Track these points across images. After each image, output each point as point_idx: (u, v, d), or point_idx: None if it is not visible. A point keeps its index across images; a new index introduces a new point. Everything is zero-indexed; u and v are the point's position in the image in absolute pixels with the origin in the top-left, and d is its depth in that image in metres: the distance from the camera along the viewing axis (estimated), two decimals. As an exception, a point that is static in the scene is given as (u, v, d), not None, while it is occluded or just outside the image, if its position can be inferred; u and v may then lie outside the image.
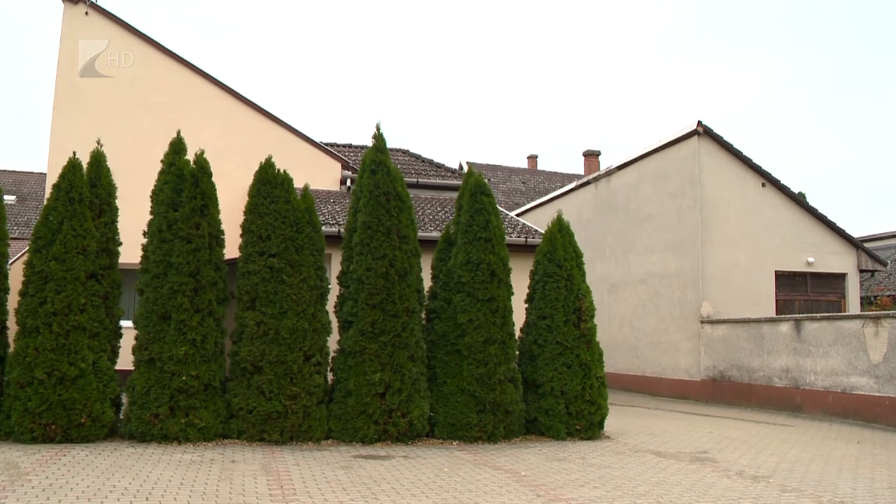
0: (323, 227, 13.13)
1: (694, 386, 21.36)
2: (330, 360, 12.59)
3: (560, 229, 14.01)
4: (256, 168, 12.80)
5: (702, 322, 21.19)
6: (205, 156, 12.42)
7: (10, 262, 12.41)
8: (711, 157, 21.83)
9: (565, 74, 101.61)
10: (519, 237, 16.75)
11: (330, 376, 12.62)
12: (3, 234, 12.19)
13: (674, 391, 22.16)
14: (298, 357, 12.01)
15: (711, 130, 21.69)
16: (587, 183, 27.56)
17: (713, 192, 21.70)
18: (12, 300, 12.14)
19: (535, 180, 37.50)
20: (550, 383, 13.19)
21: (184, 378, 11.65)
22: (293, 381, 11.95)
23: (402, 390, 12.14)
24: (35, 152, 65.32)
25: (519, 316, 13.44)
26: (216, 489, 8.77)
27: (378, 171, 12.69)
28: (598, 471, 10.54)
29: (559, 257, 13.64)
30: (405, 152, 22.48)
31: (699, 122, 21.64)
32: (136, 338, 12.00)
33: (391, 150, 13.21)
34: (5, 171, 12.85)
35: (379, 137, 13.03)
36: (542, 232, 15.54)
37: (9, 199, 12.84)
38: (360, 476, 9.68)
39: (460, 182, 17.76)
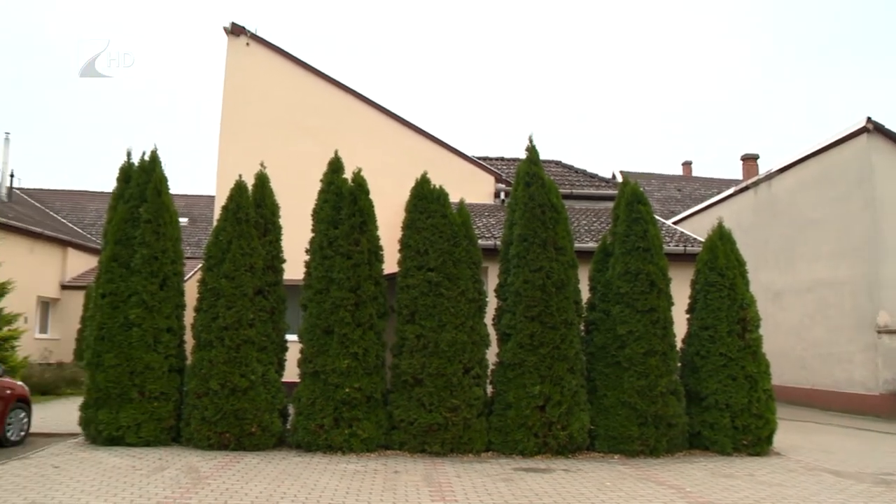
0: (479, 241, 13.20)
1: (871, 400, 20.05)
2: (489, 373, 12.60)
3: (721, 237, 13.53)
4: (410, 184, 13.02)
5: (879, 332, 19.90)
6: (362, 174, 12.75)
7: (184, 279, 13.11)
8: (884, 156, 20.45)
9: (718, 78, 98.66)
10: (677, 246, 16.32)
11: (489, 389, 12.62)
12: (179, 254, 12.91)
13: (847, 405, 20.88)
14: (458, 369, 12.10)
15: (883, 127, 20.26)
16: (746, 188, 26.49)
17: (887, 192, 20.33)
18: (188, 315, 12.83)
19: (690, 187, 36.48)
20: (714, 396, 12.73)
21: (347, 390, 11.97)
22: (453, 393, 12.04)
23: (561, 403, 12.02)
24: (203, 176, 69.27)
25: (679, 327, 13.04)
26: (380, 499, 8.95)
27: (532, 183, 12.67)
28: (768, 489, 10.05)
29: (721, 266, 13.17)
30: (558, 163, 22.35)
31: (868, 119, 20.31)
32: (301, 351, 12.42)
33: (544, 161, 13.16)
34: (178, 195, 13.67)
35: (532, 150, 13.01)
36: (702, 240, 15.06)
37: (182, 221, 13.65)
38: (521, 489, 9.63)
39: (615, 192, 17.49)
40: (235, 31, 19.34)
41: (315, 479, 9.96)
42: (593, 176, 21.90)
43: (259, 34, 19.54)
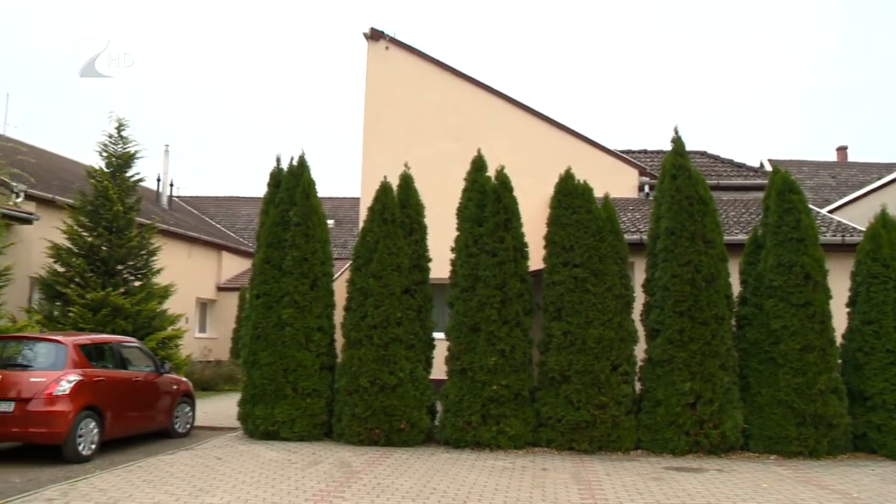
0: (625, 235, 12.99)
1: None
2: (637, 370, 12.38)
3: (885, 225, 12.73)
4: (552, 181, 12.95)
5: None
6: (504, 171, 12.77)
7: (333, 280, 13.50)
8: None
9: (871, 57, 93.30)
10: (834, 236, 15.52)
11: (638, 386, 12.40)
12: (328, 256, 13.30)
13: None
14: (605, 366, 11.94)
15: None
16: (912, 172, 24.91)
17: None
18: (338, 314, 13.19)
19: (846, 173, 34.54)
20: (881, 395, 12.00)
21: (494, 387, 12.01)
22: (601, 390, 11.90)
23: (713, 400, 11.67)
24: (347, 178, 71.15)
25: (839, 321, 12.38)
26: (529, 496, 8.92)
27: (679, 175, 12.35)
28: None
29: (885, 256, 12.42)
30: (703, 154, 21.70)
31: None
32: (449, 348, 12.56)
33: (689, 152, 12.73)
34: (324, 197, 14.09)
35: (678, 141, 12.69)
36: (862, 229, 14.24)
37: (328, 223, 14.12)
38: (672, 489, 9.39)
39: (764, 181, 16.83)
40: (374, 35, 19.70)
41: (464, 476, 10.04)
42: (741, 165, 21.13)
43: (397, 38, 19.83)
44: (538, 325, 12.59)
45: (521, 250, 12.58)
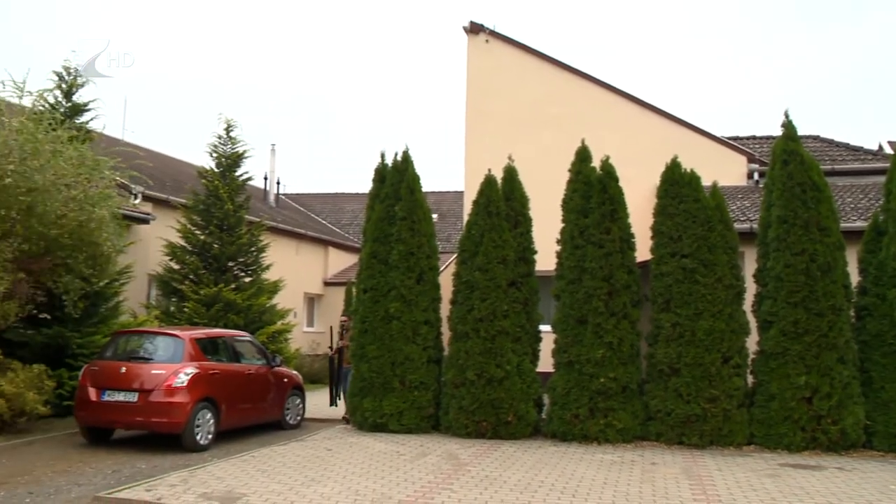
0: (734, 224, 12.65)
1: None
2: (749, 362, 12.04)
3: None
4: (657, 170, 12.72)
5: None
6: (609, 161, 12.61)
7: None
8: None
9: None
10: (962, 221, 14.71)
11: (750, 379, 12.05)
12: (434, 250, 13.39)
13: None
14: (716, 359, 11.66)
15: None
16: None
17: None
18: (444, 308, 13.28)
19: (972, 157, 32.78)
20: None
21: (602, 380, 11.89)
22: (711, 383, 11.62)
23: (831, 395, 11.22)
24: (450, 172, 71.62)
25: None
26: (639, 490, 8.78)
27: (790, 160, 11.93)
28: None
29: None
30: (816, 138, 20.87)
31: None
32: (555, 341, 12.49)
33: (801, 137, 12.29)
34: (428, 192, 14.16)
35: (789, 125, 12.26)
36: None
37: (432, 217, 14.28)
38: (789, 486, 9.07)
39: (884, 165, 16.09)
40: (474, 29, 19.68)
41: (572, 469, 9.96)
42: (857, 149, 20.24)
43: (497, 30, 19.78)
44: (646, 317, 12.39)
45: (627, 241, 12.40)
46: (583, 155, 12.95)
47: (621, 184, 12.61)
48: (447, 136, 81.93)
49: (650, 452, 11.27)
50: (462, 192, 18.99)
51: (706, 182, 12.56)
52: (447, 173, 78.41)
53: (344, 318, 14.92)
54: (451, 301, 12.99)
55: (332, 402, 14.99)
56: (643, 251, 12.62)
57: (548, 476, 9.50)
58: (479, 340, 12.35)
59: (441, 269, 14.04)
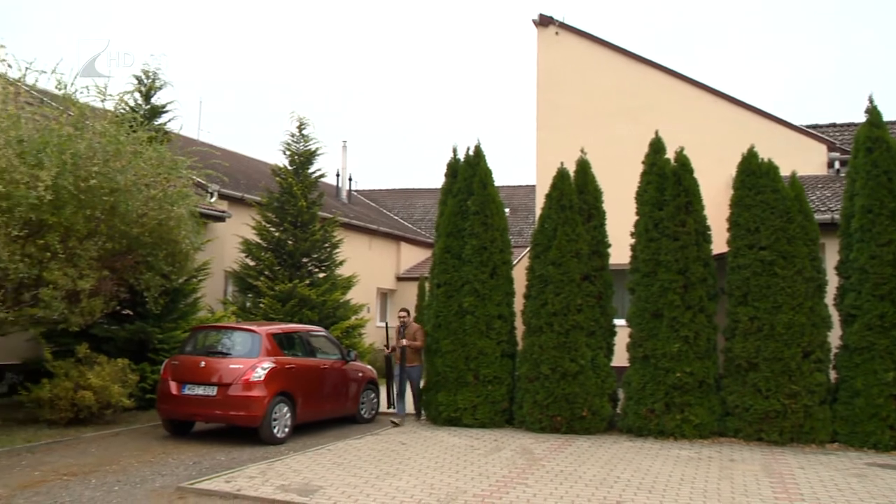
0: (814, 215, 12.31)
1: None
2: (832, 357, 11.72)
3: None
4: (733, 160, 12.49)
5: None
6: (684, 152, 12.42)
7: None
8: None
9: None
10: None
11: (832, 374, 11.74)
12: (507, 244, 13.38)
13: None
14: (796, 353, 11.38)
15: None
16: None
17: None
18: (517, 302, 13.25)
19: None
20: None
21: (678, 374, 11.73)
22: (791, 378, 11.36)
23: (922, 391, 10.87)
24: (521, 166, 71.23)
25: None
26: (717, 487, 8.65)
27: (875, 148, 11.57)
28: None
29: None
30: (902, 123, 20.21)
31: None
32: (630, 335, 12.36)
33: (887, 123, 11.92)
34: (499, 186, 14.10)
35: (873, 111, 11.89)
36: None
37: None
38: (878, 487, 8.78)
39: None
40: (543, 21, 19.56)
41: (648, 465, 9.86)
42: (947, 135, 19.51)
43: (566, 22, 19.62)
44: (723, 311, 12.16)
45: (703, 233, 12.20)
46: (656, 146, 12.78)
47: (696, 175, 12.42)
48: (518, 130, 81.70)
49: (728, 449, 11.08)
50: (534, 187, 18.94)
51: (784, 172, 12.28)
52: (519, 168, 78.17)
53: (403, 314, 14.23)
54: (524, 295, 12.96)
55: (390, 404, 14.58)
56: (719, 243, 12.39)
57: (623, 471, 9.42)
58: (552, 335, 12.31)
59: (514, 263, 14.01)
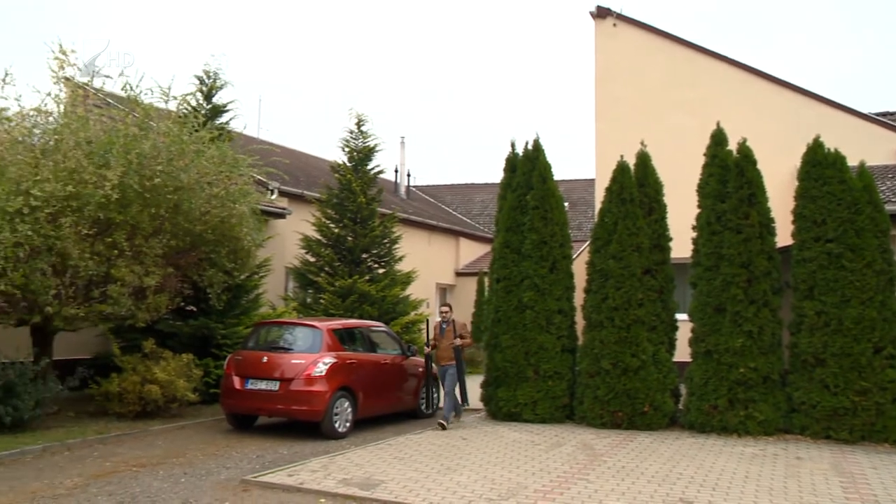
0: (885, 206, 11.96)
1: None
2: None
3: None
4: (797, 151, 12.22)
5: None
6: (746, 143, 12.18)
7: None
8: None
9: None
10: None
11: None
12: (567, 238, 13.29)
13: None
14: (867, 349, 11.07)
15: None
16: None
17: None
18: (577, 297, 13.16)
19: None
20: None
21: (741, 370, 11.52)
22: (861, 375, 11.05)
23: None
24: (579, 160, 70.58)
25: None
26: (784, 486, 8.46)
27: (949, 136, 11.21)
28: None
29: None
30: (981, 110, 19.56)
31: None
32: (692, 330, 12.18)
33: (963, 109, 11.57)
34: (558, 180, 13.97)
35: (947, 98, 11.51)
36: None
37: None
38: (960, 489, 8.48)
39: None
40: (601, 13, 19.36)
41: (711, 461, 9.70)
42: None
43: (624, 13, 19.39)
44: (788, 305, 11.89)
45: (767, 226, 11.94)
46: (718, 138, 12.55)
47: (760, 166, 12.14)
48: (577, 124, 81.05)
49: (794, 446, 10.84)
50: (593, 180, 18.78)
51: (852, 162, 11.96)
52: (578, 162, 77.54)
53: (444, 309, 13.44)
54: (584, 290, 12.86)
55: (429, 406, 14.15)
56: (784, 236, 12.12)
57: (686, 468, 9.29)
58: (613, 329, 12.19)
59: (573, 257, 13.91)
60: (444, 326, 13.04)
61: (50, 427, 11.74)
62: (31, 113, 12.25)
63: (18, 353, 11.82)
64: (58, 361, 12.92)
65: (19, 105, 12.09)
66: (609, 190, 12.82)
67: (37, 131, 12.07)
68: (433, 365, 13.53)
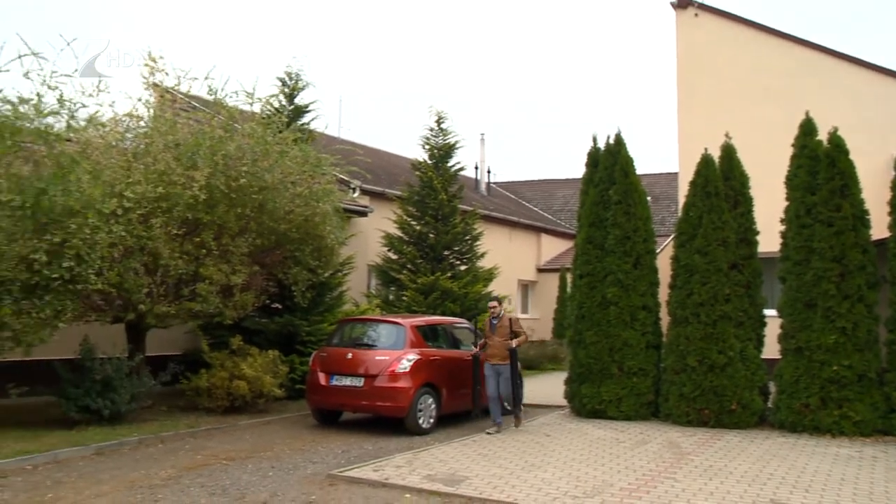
0: None
1: None
2: None
3: None
4: (890, 139, 11.74)
5: None
6: (837, 133, 11.79)
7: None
8: None
9: None
10: None
11: None
12: (650, 233, 13.08)
13: None
14: (969, 345, 10.61)
15: None
16: None
17: None
18: (662, 292, 12.95)
19: None
20: None
21: (834, 368, 11.15)
22: (965, 372, 10.59)
23: None
24: (660, 154, 69.43)
25: None
26: (885, 490, 8.15)
27: None
28: None
29: None
30: None
31: None
32: (781, 326, 11.86)
33: None
34: (639, 175, 13.77)
35: None
36: None
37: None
38: None
39: None
40: (682, 3, 18.95)
41: (803, 462, 9.41)
42: None
43: (706, 3, 18.97)
44: (885, 301, 11.44)
45: (861, 218, 11.50)
46: (807, 128, 12.18)
47: (852, 156, 11.71)
48: (659, 116, 79.78)
49: (894, 448, 10.44)
50: (675, 174, 18.45)
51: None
52: (658, 156, 76.47)
53: (493, 304, 12.47)
54: (669, 285, 12.64)
55: (474, 411, 12.48)
56: (880, 229, 11.68)
57: (777, 468, 9.05)
58: (699, 325, 11.95)
59: (657, 252, 13.69)
60: (493, 322, 12.15)
61: (144, 420, 12.14)
62: (124, 118, 12.70)
63: (114, 350, 12.22)
64: (150, 357, 13.31)
65: (113, 111, 12.54)
66: (693, 183, 12.57)
67: (129, 135, 12.51)
68: (497, 366, 11.98)
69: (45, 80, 10.98)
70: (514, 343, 11.90)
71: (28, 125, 10.55)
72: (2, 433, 10.70)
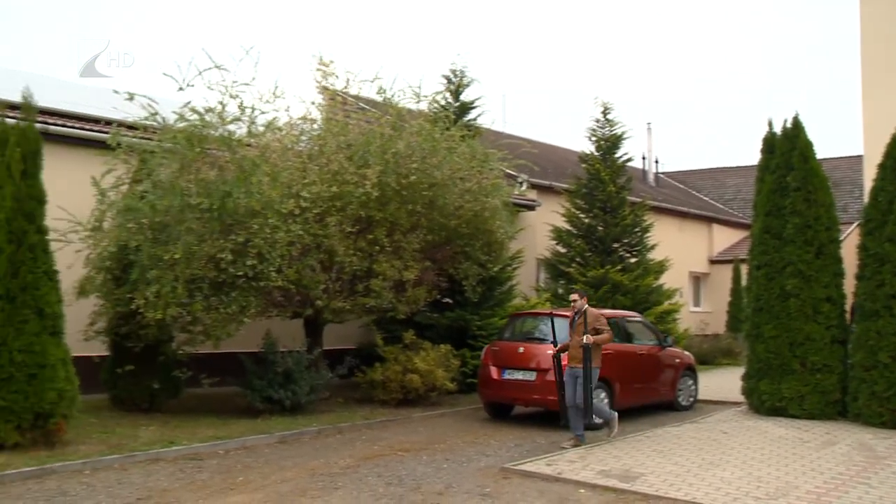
0: None
1: None
2: None
3: None
4: None
5: None
6: None
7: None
8: None
9: None
10: None
11: None
12: (834, 221, 12.30)
13: None
14: None
15: None
16: None
17: None
18: (847, 284, 12.24)
19: None
20: None
21: None
22: None
23: None
24: (840, 138, 65.53)
25: None
26: None
27: None
28: None
29: None
30: None
31: None
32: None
33: None
34: (819, 159, 13.04)
35: None
36: None
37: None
38: None
39: None
40: (866, -25, 17.84)
41: None
42: None
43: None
44: None
45: None
46: None
47: None
48: (840, 96, 75.35)
49: None
50: (859, 157, 17.36)
51: None
52: (837, 139, 72.23)
53: (575, 297, 10.83)
54: (855, 276, 11.89)
55: (563, 419, 10.81)
56: None
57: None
58: (892, 319, 11.17)
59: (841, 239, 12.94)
60: (576, 318, 10.63)
61: (322, 411, 12.65)
62: (298, 121, 13.25)
63: (294, 344, 12.78)
64: (327, 351, 13.81)
65: (288, 115, 13.12)
66: (882, 166, 11.76)
67: (303, 138, 13.03)
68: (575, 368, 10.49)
69: (227, 90, 11.68)
70: (586, 339, 10.20)
71: (213, 133, 11.25)
72: (196, 420, 11.47)
